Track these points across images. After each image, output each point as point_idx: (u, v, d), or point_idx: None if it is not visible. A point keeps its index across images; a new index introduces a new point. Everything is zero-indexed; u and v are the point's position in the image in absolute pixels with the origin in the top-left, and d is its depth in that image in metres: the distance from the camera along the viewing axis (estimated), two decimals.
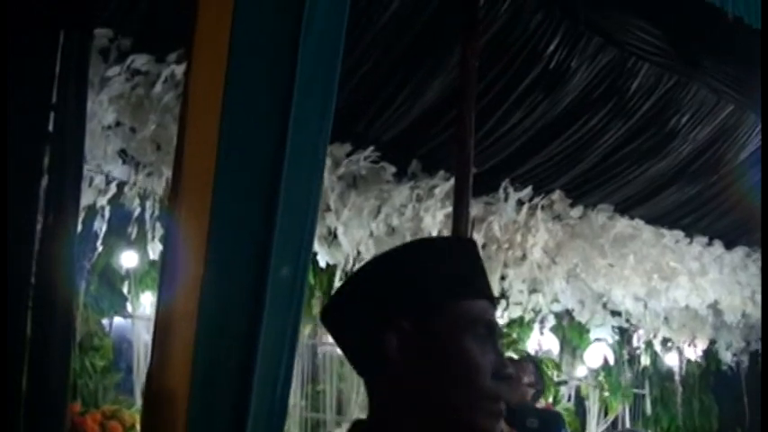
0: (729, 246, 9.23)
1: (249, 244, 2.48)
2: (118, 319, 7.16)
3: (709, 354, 10.83)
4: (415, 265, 1.74)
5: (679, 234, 8.69)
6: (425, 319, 1.68)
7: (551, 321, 9.30)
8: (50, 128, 4.33)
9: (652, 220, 8.49)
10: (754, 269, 9.54)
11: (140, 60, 5.59)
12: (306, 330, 8.00)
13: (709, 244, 9.03)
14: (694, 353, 10.62)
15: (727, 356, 10.74)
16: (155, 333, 2.51)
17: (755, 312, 9.99)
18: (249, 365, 2.33)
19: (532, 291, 8.51)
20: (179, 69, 5.51)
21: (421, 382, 1.67)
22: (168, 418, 2.32)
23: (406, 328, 1.68)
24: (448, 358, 1.66)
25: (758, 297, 9.76)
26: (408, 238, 7.37)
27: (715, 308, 9.70)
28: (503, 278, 8.05)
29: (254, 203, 2.51)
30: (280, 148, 2.53)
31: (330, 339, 8.50)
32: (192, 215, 2.51)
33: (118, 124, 5.85)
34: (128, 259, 6.84)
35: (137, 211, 6.28)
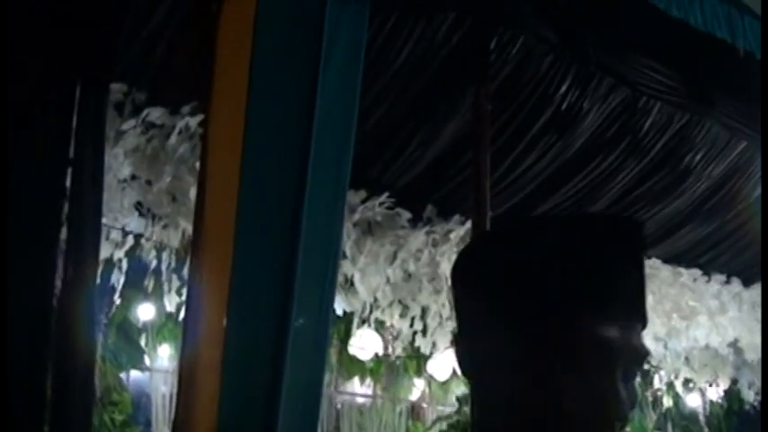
0: (747, 283, 9.15)
1: (271, 294, 2.47)
2: (135, 373, 7.13)
3: (731, 393, 10.70)
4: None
5: (697, 272, 8.63)
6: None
7: None
8: (68, 183, 4.34)
9: (669, 259, 8.44)
10: None
11: (155, 113, 5.62)
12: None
13: (728, 281, 8.96)
14: (716, 393, 10.49)
15: (749, 395, 10.61)
16: (179, 384, 2.49)
17: None
18: (273, 416, 2.30)
19: None
20: (193, 121, 5.54)
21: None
22: None
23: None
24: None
25: None
26: (425, 284, 7.35)
27: (735, 346, 9.60)
28: None
29: (275, 253, 2.50)
30: (299, 196, 2.53)
31: (348, 389, 8.46)
32: (214, 266, 2.51)
33: (133, 177, 5.87)
34: (144, 312, 6.83)
35: (153, 264, 6.27)
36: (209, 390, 2.32)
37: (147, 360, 7.12)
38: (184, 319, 2.56)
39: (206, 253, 2.54)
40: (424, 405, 8.86)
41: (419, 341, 7.85)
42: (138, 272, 6.42)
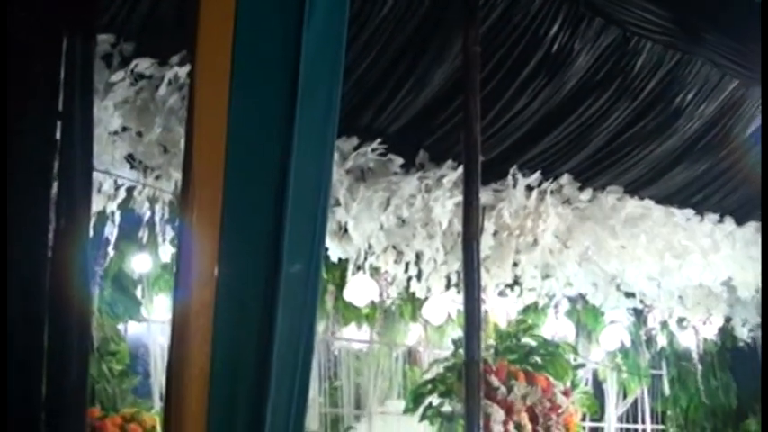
0: (740, 221, 9.20)
1: (261, 239, 2.49)
2: (133, 324, 7.19)
3: (725, 331, 10.81)
4: None
5: (689, 212, 8.68)
6: None
7: (566, 306, 9.30)
8: (58, 135, 4.34)
9: (662, 200, 8.47)
10: None
11: (143, 64, 5.60)
12: (320, 327, 8.02)
13: (720, 221, 9.01)
14: (710, 331, 10.59)
15: (743, 333, 10.71)
16: (172, 330, 2.53)
17: None
18: (267, 358, 2.34)
19: (545, 276, 8.51)
20: (182, 71, 5.52)
21: None
22: (189, 411, 2.33)
23: None
24: None
25: None
26: (419, 229, 7.38)
27: (729, 284, 9.68)
28: (515, 264, 8.05)
29: (264, 199, 2.52)
30: (288, 142, 2.54)
31: (344, 335, 8.54)
32: (204, 213, 2.53)
33: (124, 129, 5.86)
34: (140, 263, 6.87)
35: (147, 215, 6.29)
36: (202, 333, 2.35)
37: (144, 311, 7.16)
38: (176, 265, 2.59)
39: (196, 200, 2.56)
40: (420, 349, 8.95)
41: (414, 286, 7.90)
42: (132, 224, 6.44)
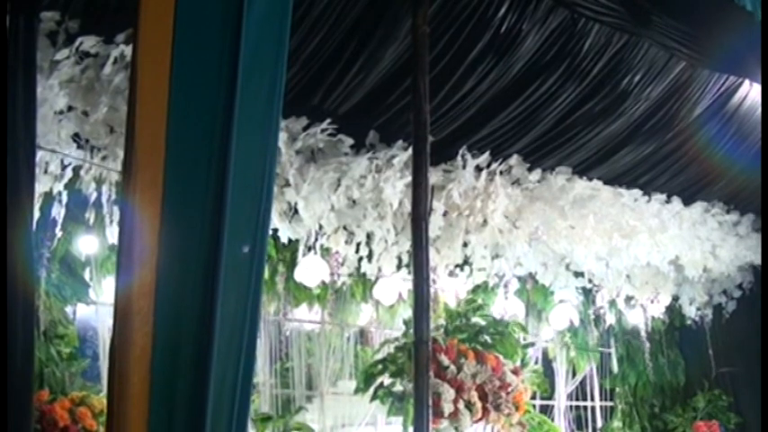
0: (688, 202, 9.35)
1: (202, 220, 2.48)
2: (81, 307, 7.11)
3: (673, 309, 10.98)
4: None
5: (637, 192, 8.78)
6: None
7: (515, 285, 9.38)
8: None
9: (610, 180, 8.57)
10: (714, 224, 9.68)
11: (89, 42, 5.52)
12: (271, 308, 8.01)
13: (668, 201, 9.15)
14: (658, 309, 10.75)
15: (690, 311, 10.89)
16: (115, 311, 2.51)
17: (716, 266, 10.15)
18: (208, 338, 2.34)
19: (495, 256, 8.57)
20: (128, 50, 5.42)
21: None
22: (132, 391, 2.32)
23: None
24: None
25: (719, 251, 9.91)
26: (370, 210, 7.39)
27: (676, 264, 9.82)
28: (465, 245, 8.10)
29: (204, 181, 2.51)
30: (228, 123, 2.53)
31: (296, 315, 8.54)
32: (145, 195, 2.51)
33: (70, 108, 5.79)
34: (87, 245, 6.79)
35: (94, 196, 6.21)
36: (144, 315, 2.34)
37: (92, 294, 7.09)
38: (118, 244, 2.57)
39: (137, 181, 2.54)
40: (372, 329, 8.97)
41: (365, 267, 7.92)
42: (79, 205, 6.36)
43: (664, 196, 9.10)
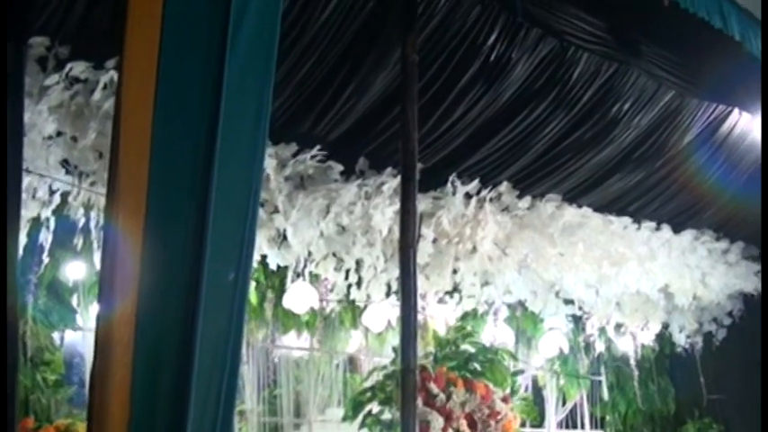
0: (677, 229, 9.36)
1: (183, 247, 2.47)
2: (68, 333, 7.07)
3: (663, 337, 10.97)
4: None
5: (627, 220, 8.79)
6: None
7: (505, 312, 9.36)
8: None
9: (600, 208, 8.57)
10: (703, 252, 9.68)
11: (79, 68, 5.52)
12: (259, 334, 7.97)
13: (657, 229, 9.15)
14: (647, 337, 10.74)
15: (680, 339, 10.88)
16: (96, 339, 2.49)
17: (706, 294, 10.15)
18: (188, 366, 2.31)
19: (484, 283, 8.56)
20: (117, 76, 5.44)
21: None
22: (111, 421, 2.30)
23: None
24: None
25: (708, 279, 9.92)
26: (359, 237, 7.38)
27: (666, 291, 9.82)
28: (454, 272, 8.08)
29: (186, 207, 2.50)
30: (211, 146, 2.52)
31: (284, 342, 8.50)
32: (128, 221, 2.50)
33: (59, 134, 5.78)
34: (75, 271, 6.76)
35: (81, 222, 6.19)
36: (124, 343, 2.32)
37: (79, 320, 7.05)
38: (100, 272, 2.55)
39: (121, 204, 2.53)
40: (361, 357, 8.94)
41: (354, 293, 7.90)
42: (67, 230, 6.33)
43: (653, 224, 9.11)
